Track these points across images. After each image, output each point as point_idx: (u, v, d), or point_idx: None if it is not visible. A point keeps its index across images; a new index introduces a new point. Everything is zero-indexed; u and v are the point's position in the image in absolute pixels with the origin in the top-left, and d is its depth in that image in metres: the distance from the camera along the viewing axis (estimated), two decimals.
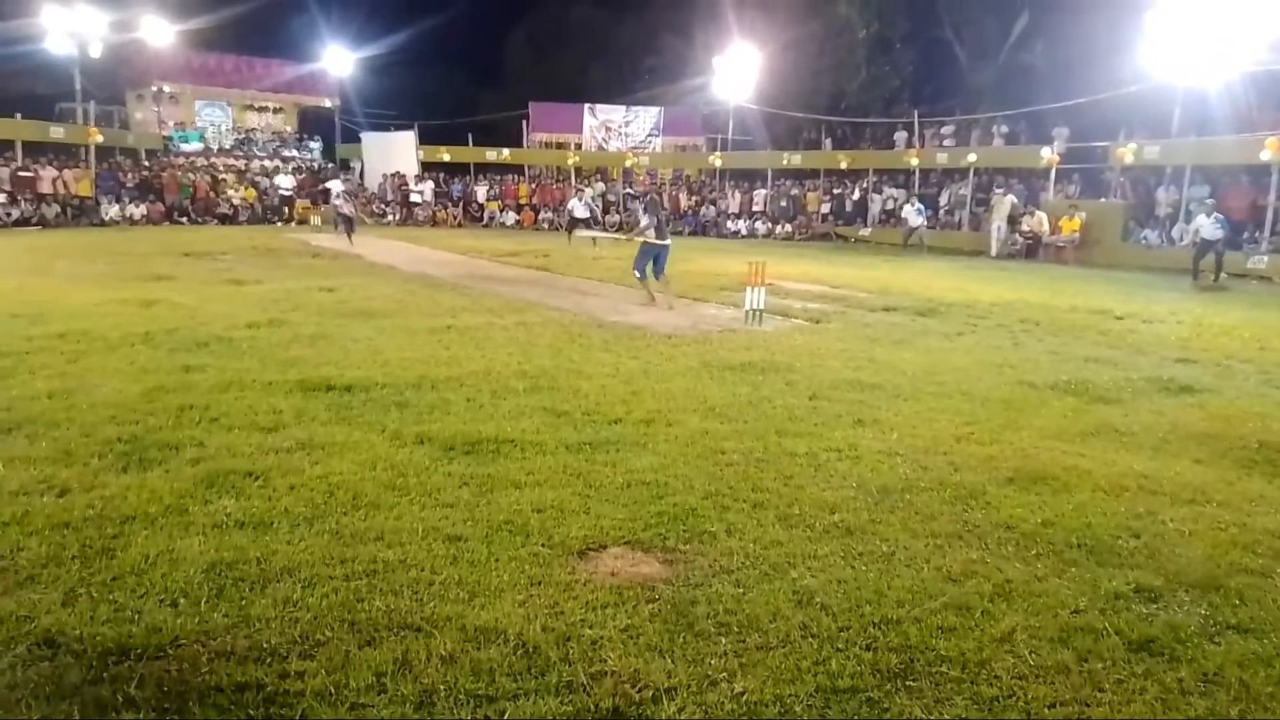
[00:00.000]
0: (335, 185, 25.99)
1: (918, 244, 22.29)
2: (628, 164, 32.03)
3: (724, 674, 2.60)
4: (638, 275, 10.60)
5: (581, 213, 23.15)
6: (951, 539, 3.62)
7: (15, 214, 23.11)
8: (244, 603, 2.91)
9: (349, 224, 20.32)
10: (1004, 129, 25.58)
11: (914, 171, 26.38)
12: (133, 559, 3.19)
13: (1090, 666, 2.72)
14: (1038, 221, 20.96)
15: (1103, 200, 21.56)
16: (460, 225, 29.47)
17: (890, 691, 2.55)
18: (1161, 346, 8.44)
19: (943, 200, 26.22)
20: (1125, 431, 5.33)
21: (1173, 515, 3.95)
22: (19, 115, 25.20)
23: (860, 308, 10.73)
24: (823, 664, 2.67)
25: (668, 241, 10.65)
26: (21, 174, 24.12)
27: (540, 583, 3.12)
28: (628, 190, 30.96)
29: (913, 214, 22.60)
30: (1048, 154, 22.36)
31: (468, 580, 3.11)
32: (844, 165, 28.30)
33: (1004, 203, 22.13)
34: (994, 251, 21.52)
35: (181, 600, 2.91)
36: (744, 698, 2.49)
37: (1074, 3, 24.91)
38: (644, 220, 10.78)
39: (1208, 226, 15.73)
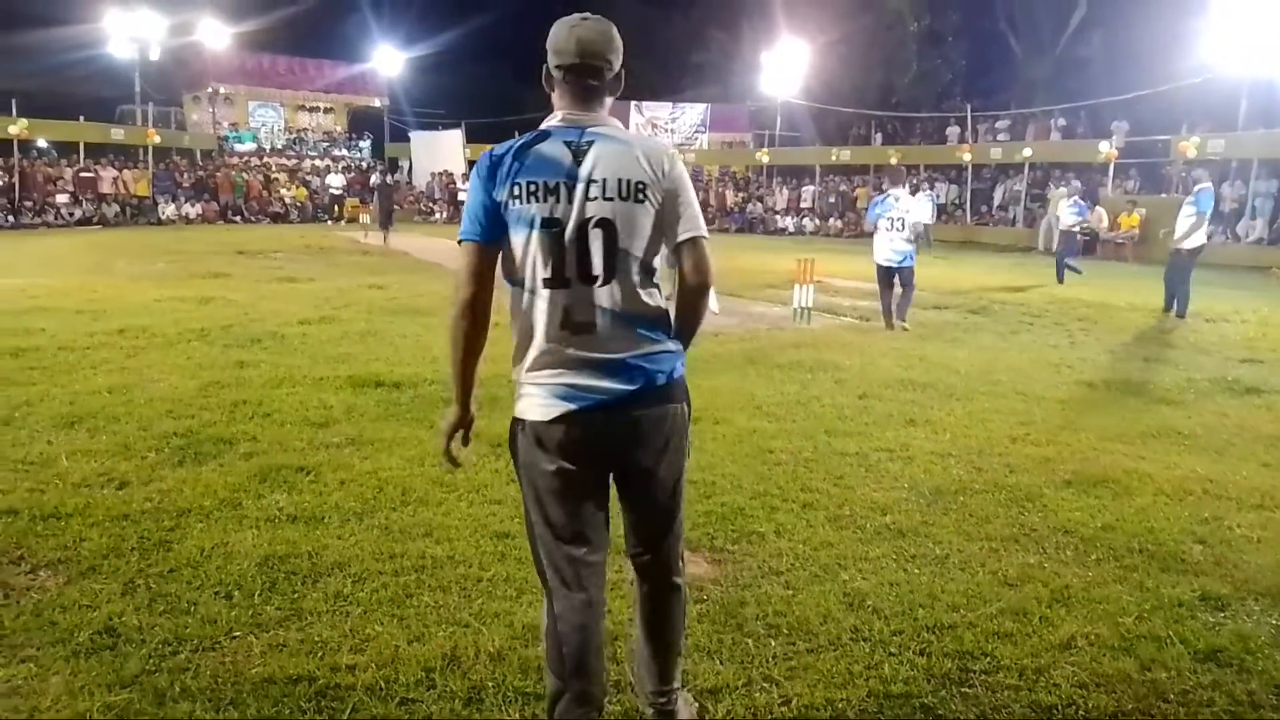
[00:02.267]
0: (375, 179, 26.47)
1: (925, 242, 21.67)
2: None
3: (773, 676, 2.56)
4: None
5: None
6: (1007, 542, 3.53)
7: (78, 213, 23.88)
8: (296, 596, 2.95)
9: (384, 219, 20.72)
10: (1060, 122, 24.99)
11: (966, 167, 25.91)
12: (189, 551, 3.25)
13: (1154, 676, 2.62)
14: (1096, 217, 20.42)
15: (1163, 195, 20.95)
16: None
17: (945, 698, 2.49)
18: (1225, 346, 8.17)
19: (997, 196, 25.71)
20: (1188, 433, 5.15)
21: (1239, 520, 3.81)
22: (82, 118, 26.04)
23: (911, 305, 10.54)
24: (875, 668, 2.61)
25: None
26: (83, 175, 24.89)
27: None
28: None
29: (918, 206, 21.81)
30: (1106, 148, 21.78)
31: (515, 577, 3.11)
32: (894, 161, 27.85)
33: (1059, 196, 21.59)
34: (1044, 246, 20.95)
35: (235, 593, 2.95)
36: (794, 701, 2.45)
37: None
38: None
39: (1066, 213, 14.28)
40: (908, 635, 2.79)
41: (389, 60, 34.17)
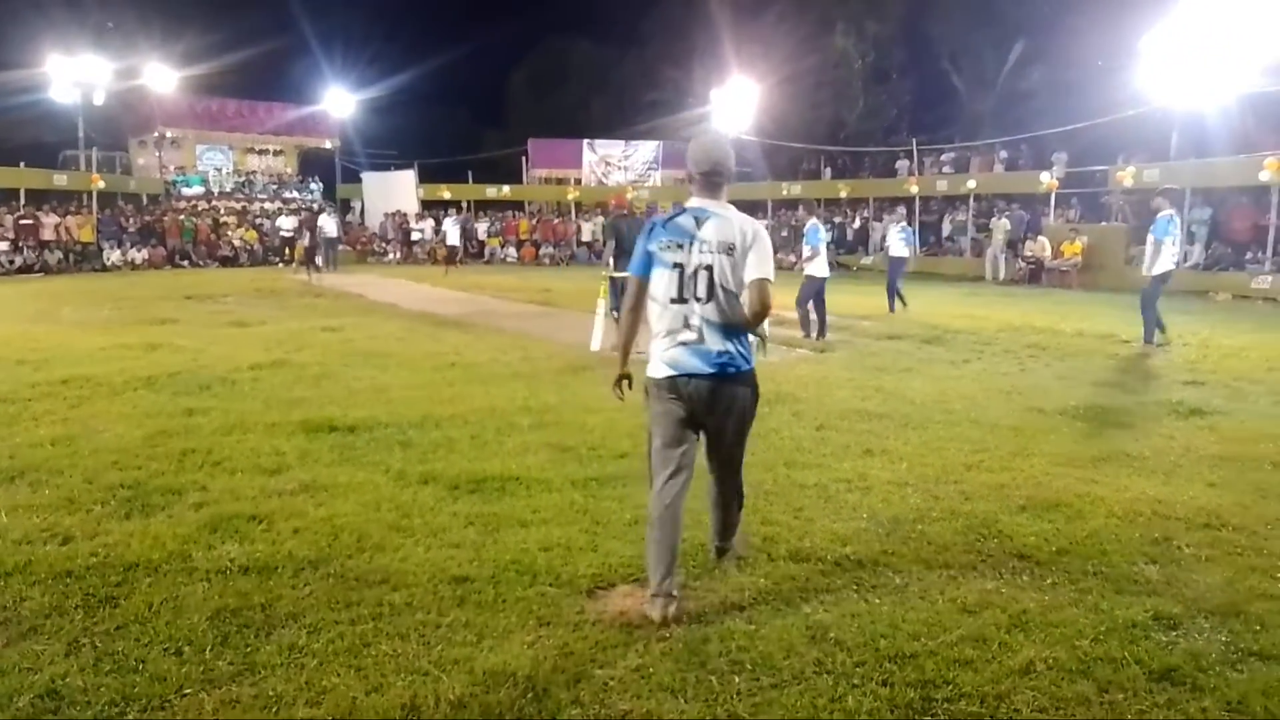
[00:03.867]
0: (324, 220, 26.33)
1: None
2: (628, 197, 32.23)
3: (738, 714, 2.55)
4: (614, 315, 9.05)
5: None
6: (965, 569, 3.57)
7: (18, 261, 23.27)
8: (249, 650, 2.87)
9: (311, 256, 21.64)
10: (1003, 154, 25.76)
11: (914, 199, 26.52)
12: (136, 607, 3.15)
13: (1112, 697, 2.66)
14: (1040, 246, 21.01)
15: (1104, 224, 21.62)
16: (461, 262, 29.61)
17: None
18: (1170, 369, 8.40)
19: (945, 228, 26.34)
20: (1137, 456, 5.28)
21: (1189, 540, 3.90)
22: (22, 164, 25.50)
23: (865, 336, 10.72)
24: (839, 701, 2.62)
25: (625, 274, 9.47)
26: (24, 221, 24.31)
27: (549, 623, 3.08)
28: (623, 214, 31.05)
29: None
30: (1047, 179, 22.47)
31: (475, 622, 3.07)
32: (844, 194, 28.46)
33: (1000, 227, 22.20)
34: (991, 276, 21.60)
35: (186, 648, 2.87)
36: None
37: (1069, 27, 25.21)
38: (606, 249, 9.69)
39: (896, 242, 14.40)
40: (870, 666, 2.80)
41: (340, 102, 34.08)
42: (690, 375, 3.22)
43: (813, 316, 10.46)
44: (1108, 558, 3.68)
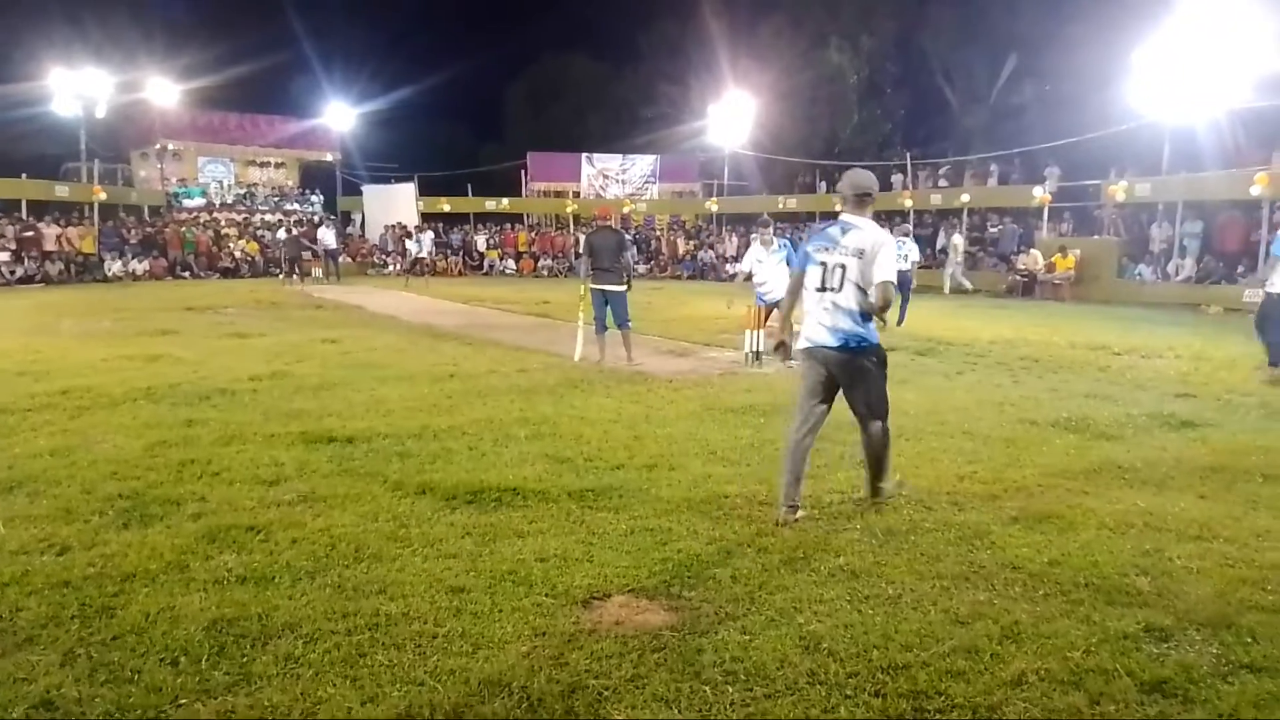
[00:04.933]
0: (323, 232, 26.73)
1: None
2: (625, 210, 32.37)
3: None
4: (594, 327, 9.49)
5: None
6: (958, 580, 3.59)
7: (19, 271, 23.30)
8: (245, 660, 2.88)
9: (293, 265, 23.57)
10: (993, 168, 25.93)
11: (909, 212, 26.65)
12: (133, 617, 3.16)
13: (1103, 709, 2.68)
14: (1032, 259, 21.12)
15: (1096, 237, 21.74)
16: (460, 274, 29.69)
17: None
18: (1161, 382, 8.45)
19: (939, 241, 26.45)
20: (1128, 468, 5.31)
21: (1180, 552, 3.92)
22: (24, 175, 25.58)
23: None
24: (831, 711, 2.63)
25: (604, 286, 9.29)
26: (25, 233, 24.36)
27: (545, 634, 3.09)
28: (628, 236, 31.23)
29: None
30: (1040, 193, 22.60)
31: (471, 632, 3.08)
32: (839, 207, 28.47)
33: (955, 245, 22.72)
34: (950, 289, 21.97)
35: (182, 659, 2.88)
36: None
37: (1061, 42, 25.43)
38: (580, 262, 9.65)
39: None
40: (863, 677, 2.82)
41: (340, 116, 34.23)
42: (822, 346, 4.29)
43: None
44: (1099, 569, 3.70)
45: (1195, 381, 8.41)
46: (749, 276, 9.85)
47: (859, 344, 4.26)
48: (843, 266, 4.22)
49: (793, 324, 4.59)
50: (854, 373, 4.32)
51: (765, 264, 9.48)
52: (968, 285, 21.90)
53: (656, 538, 4.00)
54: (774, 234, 9.83)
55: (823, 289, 4.28)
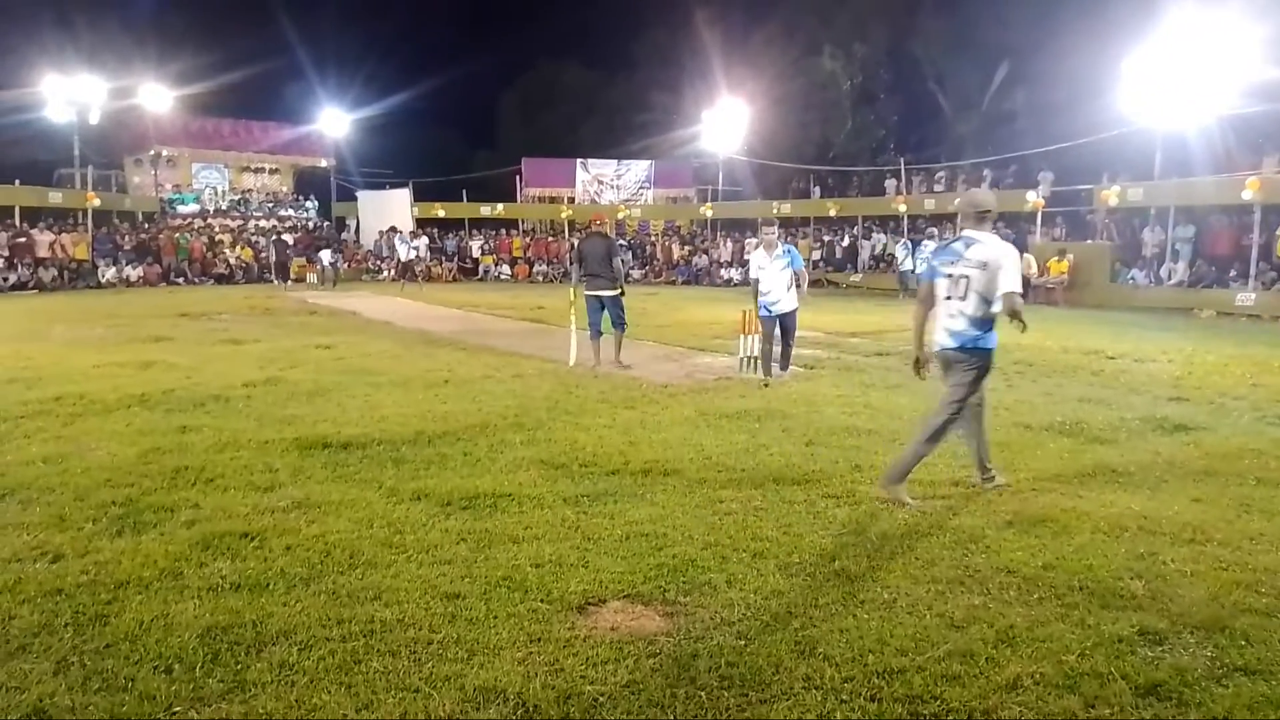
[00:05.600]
0: (326, 255, 27.02)
1: (902, 288, 22.69)
2: (620, 216, 32.41)
3: None
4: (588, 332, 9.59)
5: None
6: (953, 584, 3.60)
7: (12, 278, 23.24)
8: (239, 667, 2.87)
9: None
10: (986, 173, 26.04)
11: (903, 218, 26.75)
12: (126, 625, 3.15)
13: (1098, 713, 2.68)
14: (1025, 264, 21.17)
15: (1089, 242, 21.83)
16: (455, 279, 29.68)
17: None
18: (1154, 385, 8.48)
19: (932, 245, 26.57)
20: (1122, 472, 5.33)
21: (1173, 556, 3.93)
22: (18, 182, 25.51)
23: (854, 353, 10.78)
24: (827, 716, 2.63)
25: (598, 292, 9.39)
26: (18, 239, 24.29)
27: (540, 639, 3.09)
28: (622, 241, 31.30)
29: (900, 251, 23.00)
30: (1033, 198, 22.70)
31: (466, 639, 3.08)
32: (833, 213, 28.68)
33: (929, 248, 22.84)
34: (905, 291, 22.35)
35: (176, 666, 2.87)
36: None
37: (1053, 49, 25.55)
38: (574, 269, 9.70)
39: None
40: (858, 681, 2.82)
41: (335, 122, 34.23)
42: (944, 348, 4.82)
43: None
44: (1093, 573, 3.71)
45: (1188, 385, 8.44)
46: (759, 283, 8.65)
47: (973, 345, 4.72)
48: (966, 278, 4.65)
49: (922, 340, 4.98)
50: (953, 365, 4.80)
51: (768, 270, 8.56)
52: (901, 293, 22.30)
53: (652, 543, 4.00)
54: (778, 237, 8.87)
55: (948, 298, 4.75)
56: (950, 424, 4.82)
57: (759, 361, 8.71)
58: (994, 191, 4.63)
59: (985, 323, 4.67)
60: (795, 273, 8.63)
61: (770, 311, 8.60)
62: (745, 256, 28.91)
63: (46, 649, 2.98)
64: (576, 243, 10.48)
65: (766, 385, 8.27)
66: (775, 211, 30.04)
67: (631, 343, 10.75)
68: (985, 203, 4.83)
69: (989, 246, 4.64)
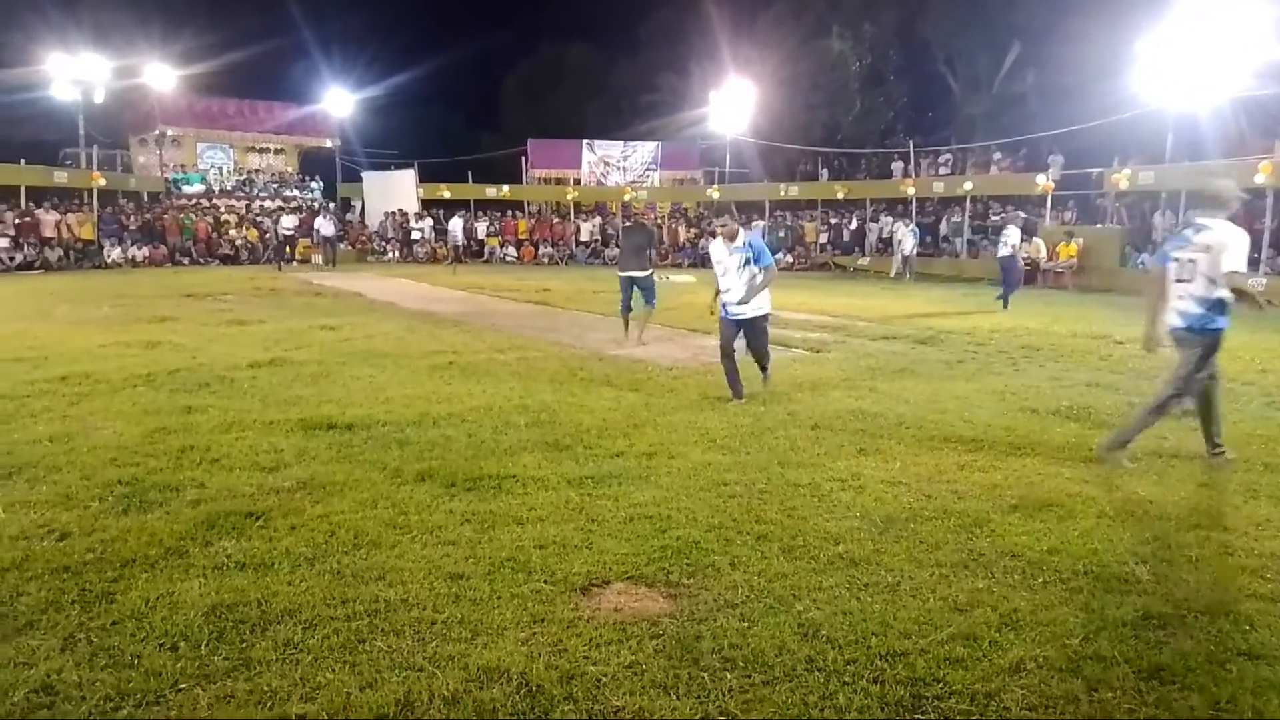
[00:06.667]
0: (319, 221, 27.01)
1: (906, 272, 22.67)
2: (626, 198, 32.29)
3: (730, 710, 2.57)
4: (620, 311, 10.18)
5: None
6: (957, 568, 3.59)
7: (18, 258, 23.27)
8: (244, 645, 2.89)
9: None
10: (997, 155, 25.85)
11: (911, 200, 26.59)
12: (132, 603, 3.17)
13: (1101, 696, 2.68)
14: (1035, 248, 21.05)
15: (1099, 226, 21.68)
16: (460, 261, 29.65)
17: None
18: (1163, 370, 8.40)
19: (941, 229, 26.41)
20: (1129, 456, 5.30)
21: (1179, 541, 3.92)
22: (23, 161, 25.50)
23: (860, 337, 10.75)
24: (829, 698, 2.64)
25: (630, 273, 9.93)
26: (24, 219, 24.30)
27: (543, 620, 3.10)
28: (626, 223, 31.22)
29: (908, 236, 22.92)
30: (1043, 180, 22.54)
31: (470, 619, 3.09)
32: (841, 195, 28.52)
33: (906, 232, 23.38)
34: (895, 274, 23.39)
35: (181, 644, 2.88)
36: None
37: (1064, 31, 25.29)
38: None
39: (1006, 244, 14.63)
40: (861, 664, 2.82)
41: (340, 102, 34.10)
42: (1175, 329, 5.07)
43: None
44: (1098, 557, 3.71)
45: None
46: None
47: (1201, 326, 4.95)
48: (1193, 261, 4.93)
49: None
50: (1183, 344, 5.05)
51: (725, 265, 6.85)
52: (907, 275, 22.90)
53: (655, 525, 4.00)
54: (741, 225, 7.10)
55: (1178, 281, 5.02)
56: (1175, 399, 5.09)
57: (727, 376, 6.91)
58: (1232, 180, 4.63)
59: (1214, 304, 4.89)
60: (760, 271, 6.76)
61: (729, 315, 6.90)
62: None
63: (54, 625, 3.00)
64: (618, 231, 11.13)
65: (741, 401, 6.67)
66: (782, 194, 29.93)
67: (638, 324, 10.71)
68: (1220, 192, 5.05)
69: (1216, 231, 4.89)
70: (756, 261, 6.77)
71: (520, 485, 4.57)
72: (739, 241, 6.82)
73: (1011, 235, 14.57)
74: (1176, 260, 5.04)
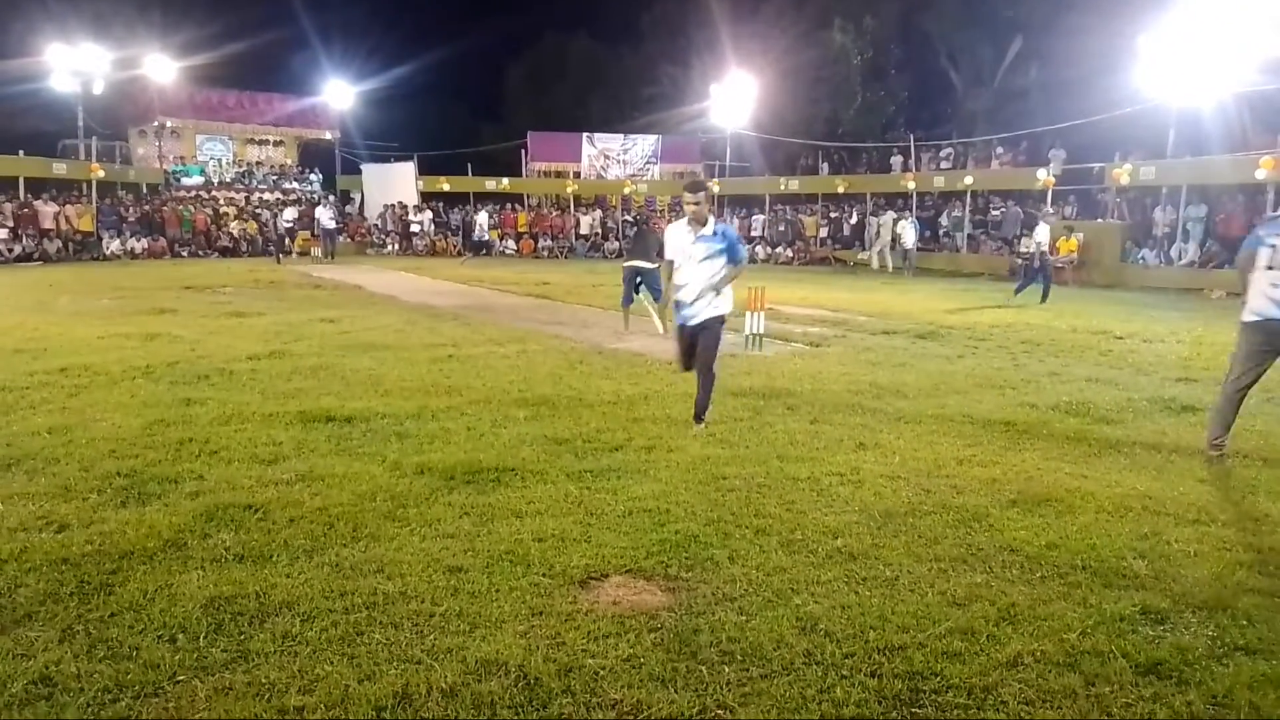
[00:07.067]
0: (320, 211, 26.92)
1: (907, 266, 22.68)
2: (626, 191, 32.24)
3: (728, 703, 2.57)
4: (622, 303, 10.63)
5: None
6: (955, 563, 3.60)
7: (17, 249, 23.24)
8: (242, 638, 2.89)
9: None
10: (998, 150, 25.81)
11: (911, 195, 26.56)
12: (131, 595, 3.17)
13: (1098, 690, 2.69)
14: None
15: (1100, 221, 21.65)
16: (460, 254, 29.63)
17: (896, 719, 2.53)
18: (1162, 366, 8.44)
19: (942, 223, 26.38)
20: (1128, 452, 5.31)
21: (1178, 536, 3.93)
22: (21, 152, 25.44)
23: (860, 331, 10.74)
24: (827, 692, 2.64)
25: (637, 263, 10.41)
26: (22, 210, 24.27)
27: (542, 613, 3.10)
28: (626, 217, 31.17)
29: (908, 230, 22.94)
30: (1044, 175, 22.50)
31: (468, 611, 3.09)
32: (841, 189, 28.48)
33: (887, 225, 23.86)
34: (878, 266, 24.03)
35: (180, 636, 2.88)
36: None
37: (1066, 26, 25.22)
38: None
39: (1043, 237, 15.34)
40: (859, 658, 2.82)
41: (340, 94, 34.02)
42: (1269, 319, 4.95)
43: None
44: (1097, 552, 3.71)
45: (1196, 366, 8.39)
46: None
47: None
48: None
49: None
50: (1276, 334, 4.98)
51: (687, 254, 5.60)
52: (889, 265, 23.61)
53: (654, 518, 4.00)
54: (711, 211, 5.73)
55: (1270, 269, 4.91)
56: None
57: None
58: None
59: None
60: (727, 267, 5.54)
61: (684, 319, 5.71)
62: (752, 233, 28.75)
63: (52, 617, 3.00)
64: (631, 233, 11.29)
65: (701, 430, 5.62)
66: (783, 188, 29.86)
67: (639, 319, 10.72)
68: None
69: None
70: (730, 256, 5.52)
71: (519, 478, 4.57)
72: (708, 229, 5.56)
73: (1041, 233, 15.09)
74: (1272, 247, 4.92)
